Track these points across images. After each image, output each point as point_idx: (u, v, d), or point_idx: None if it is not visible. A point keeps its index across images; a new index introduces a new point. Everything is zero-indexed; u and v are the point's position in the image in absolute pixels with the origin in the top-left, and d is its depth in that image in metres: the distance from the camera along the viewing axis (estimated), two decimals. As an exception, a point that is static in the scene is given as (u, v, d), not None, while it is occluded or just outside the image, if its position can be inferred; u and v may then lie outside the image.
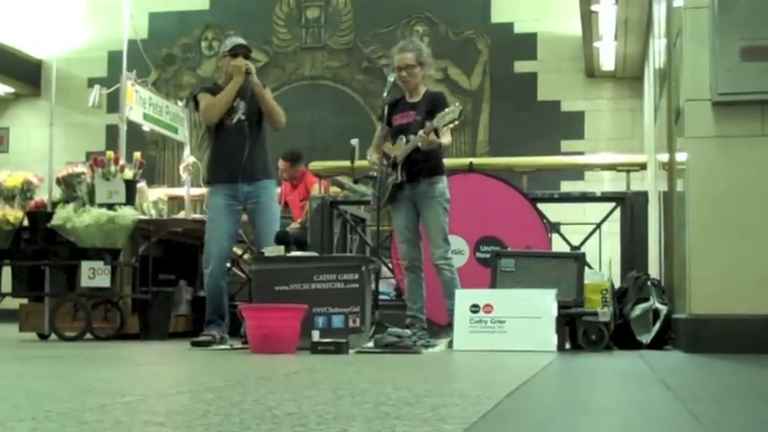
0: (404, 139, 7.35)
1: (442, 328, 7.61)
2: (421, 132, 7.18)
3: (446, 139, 7.28)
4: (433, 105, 7.42)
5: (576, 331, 7.15)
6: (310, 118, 15.88)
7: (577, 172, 13.77)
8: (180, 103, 11.19)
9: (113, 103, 10.58)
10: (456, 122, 7.20)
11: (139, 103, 10.06)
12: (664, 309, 7.46)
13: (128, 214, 8.58)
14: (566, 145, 15.06)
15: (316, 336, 6.24)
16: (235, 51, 7.48)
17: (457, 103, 7.36)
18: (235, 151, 7.40)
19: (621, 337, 7.41)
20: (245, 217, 7.63)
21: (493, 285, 7.30)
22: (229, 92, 7.39)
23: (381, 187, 7.50)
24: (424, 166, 7.36)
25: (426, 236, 7.49)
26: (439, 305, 7.55)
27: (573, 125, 15.41)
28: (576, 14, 13.37)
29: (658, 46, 9.96)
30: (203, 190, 9.48)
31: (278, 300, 6.61)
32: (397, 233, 7.67)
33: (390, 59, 7.69)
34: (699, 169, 6.70)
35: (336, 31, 16.56)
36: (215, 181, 7.53)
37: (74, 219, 8.51)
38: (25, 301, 9.21)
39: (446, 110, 7.19)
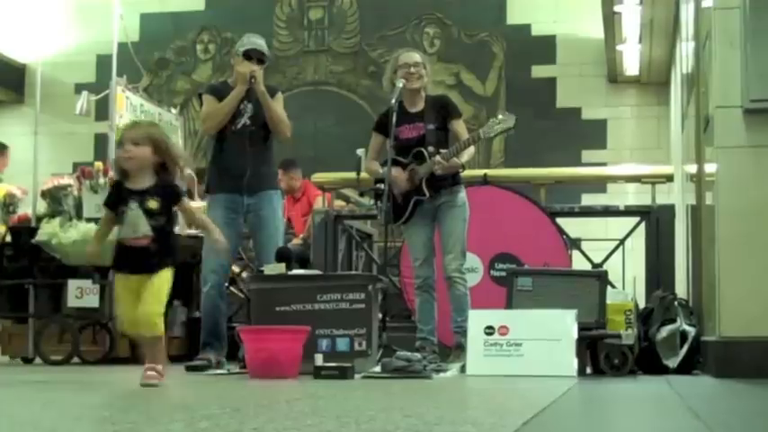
0: (425, 153, 7.42)
1: (449, 349, 7.62)
2: (439, 158, 7.28)
3: (467, 156, 7.42)
4: (444, 108, 7.62)
5: (598, 355, 7.16)
6: (313, 126, 15.88)
7: (599, 184, 13.74)
8: (174, 111, 11.23)
9: (102, 111, 10.61)
10: (510, 132, 7.43)
11: (130, 110, 10.09)
12: (692, 331, 7.46)
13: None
14: (587, 155, 15.04)
15: (319, 360, 6.25)
16: (248, 54, 7.50)
17: (506, 112, 7.56)
18: (236, 159, 7.41)
19: (646, 360, 7.42)
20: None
21: (509, 306, 7.31)
22: (231, 101, 7.40)
23: (395, 205, 7.55)
24: (446, 176, 7.45)
25: (443, 246, 7.55)
26: (447, 325, 7.56)
27: (594, 134, 15.40)
28: (598, 15, 13.37)
29: (686, 49, 9.97)
30: (199, 203, 9.49)
31: (279, 321, 6.62)
32: (413, 251, 7.70)
33: (393, 63, 7.76)
34: (729, 181, 6.71)
35: (341, 33, 16.58)
36: (214, 191, 7.54)
37: (60, 234, 8.53)
38: (8, 322, 9.23)
39: (498, 118, 7.43)
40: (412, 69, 7.60)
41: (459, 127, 7.62)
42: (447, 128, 7.61)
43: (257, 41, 7.62)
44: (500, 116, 7.56)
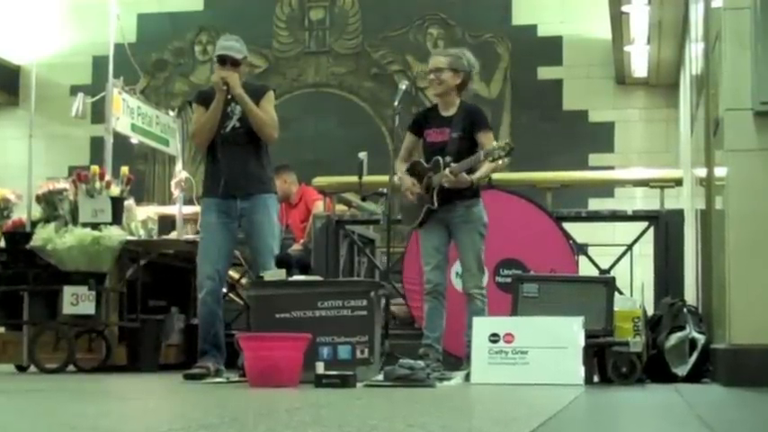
0: (441, 162, 7.37)
1: (459, 360, 7.63)
2: (447, 172, 7.24)
3: (482, 171, 7.36)
4: (471, 120, 7.51)
5: (606, 363, 7.16)
6: (314, 129, 15.91)
7: (607, 188, 13.76)
8: (171, 113, 11.22)
9: (98, 113, 10.63)
10: (504, 162, 7.28)
11: (127, 112, 10.09)
12: (701, 338, 7.46)
13: (114, 235, 8.61)
14: (594, 159, 15.06)
15: (320, 368, 6.25)
16: (221, 58, 7.45)
17: (507, 141, 7.43)
18: (228, 162, 7.40)
19: (655, 368, 7.42)
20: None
21: (514, 313, 7.31)
22: (212, 113, 7.37)
23: (407, 209, 7.55)
24: (460, 188, 7.40)
25: (460, 263, 7.56)
26: (457, 335, 7.56)
27: (602, 137, 15.41)
28: (606, 16, 13.39)
29: (695, 50, 9.98)
30: (196, 208, 9.49)
31: (279, 328, 6.62)
32: (424, 255, 7.67)
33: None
34: (739, 185, 6.71)
35: (342, 34, 16.59)
36: (207, 195, 7.53)
37: (55, 239, 8.54)
38: (2, 329, 9.23)
39: (494, 145, 7.26)
40: (431, 76, 7.60)
41: (486, 139, 7.46)
42: (474, 138, 7.50)
43: (227, 44, 7.49)
44: (497, 144, 7.38)
